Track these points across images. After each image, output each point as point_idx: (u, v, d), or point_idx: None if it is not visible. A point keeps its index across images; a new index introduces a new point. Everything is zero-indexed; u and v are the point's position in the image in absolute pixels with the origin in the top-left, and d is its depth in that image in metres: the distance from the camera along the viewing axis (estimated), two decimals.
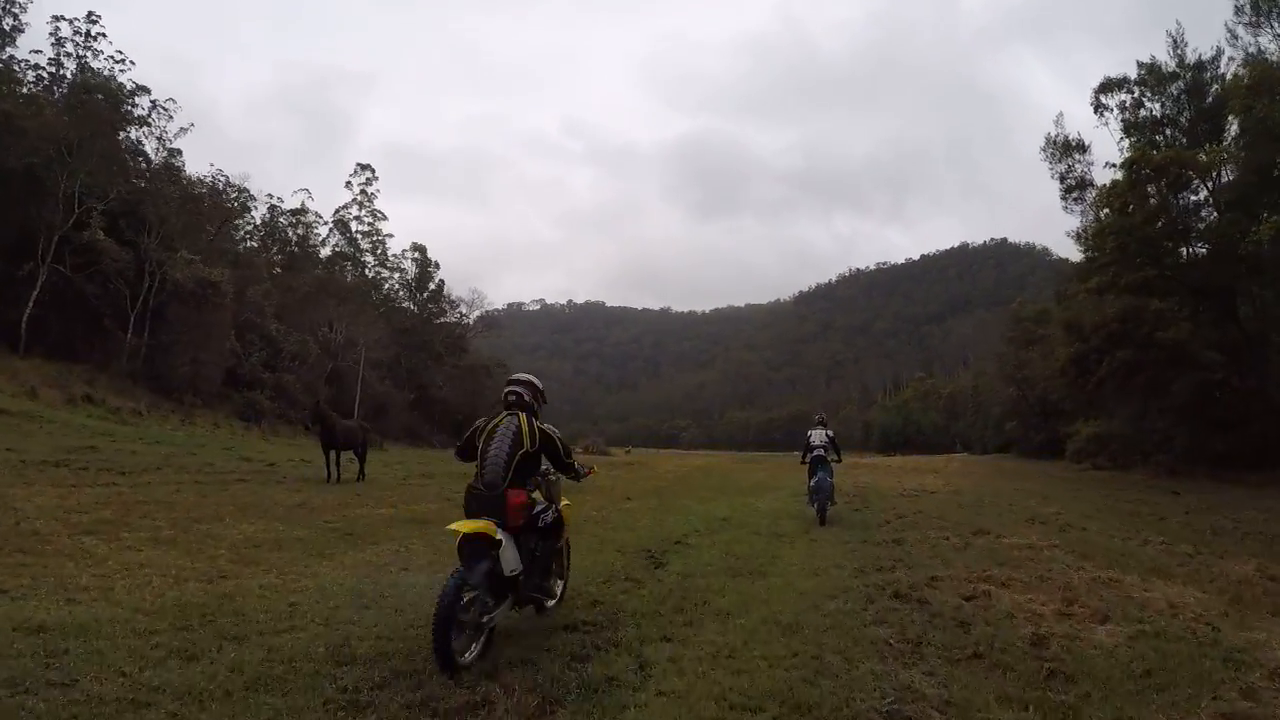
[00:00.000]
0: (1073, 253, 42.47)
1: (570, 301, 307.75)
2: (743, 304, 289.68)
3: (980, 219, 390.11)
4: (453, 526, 5.21)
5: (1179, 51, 31.97)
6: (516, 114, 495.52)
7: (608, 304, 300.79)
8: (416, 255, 76.48)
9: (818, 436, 14.33)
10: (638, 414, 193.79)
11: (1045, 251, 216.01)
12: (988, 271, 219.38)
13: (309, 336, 48.72)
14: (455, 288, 78.34)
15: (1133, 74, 33.48)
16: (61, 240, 32.75)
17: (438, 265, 76.63)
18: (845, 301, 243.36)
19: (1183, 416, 30.24)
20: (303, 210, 66.32)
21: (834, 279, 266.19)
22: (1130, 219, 28.32)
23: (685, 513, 15.21)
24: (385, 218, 70.69)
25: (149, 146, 43.41)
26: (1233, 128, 29.20)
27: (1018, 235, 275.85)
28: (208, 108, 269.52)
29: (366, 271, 71.32)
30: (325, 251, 67.56)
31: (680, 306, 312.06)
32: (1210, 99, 30.98)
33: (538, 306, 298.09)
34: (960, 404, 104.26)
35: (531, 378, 6.38)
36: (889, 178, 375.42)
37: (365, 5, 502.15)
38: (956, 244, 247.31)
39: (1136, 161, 28.42)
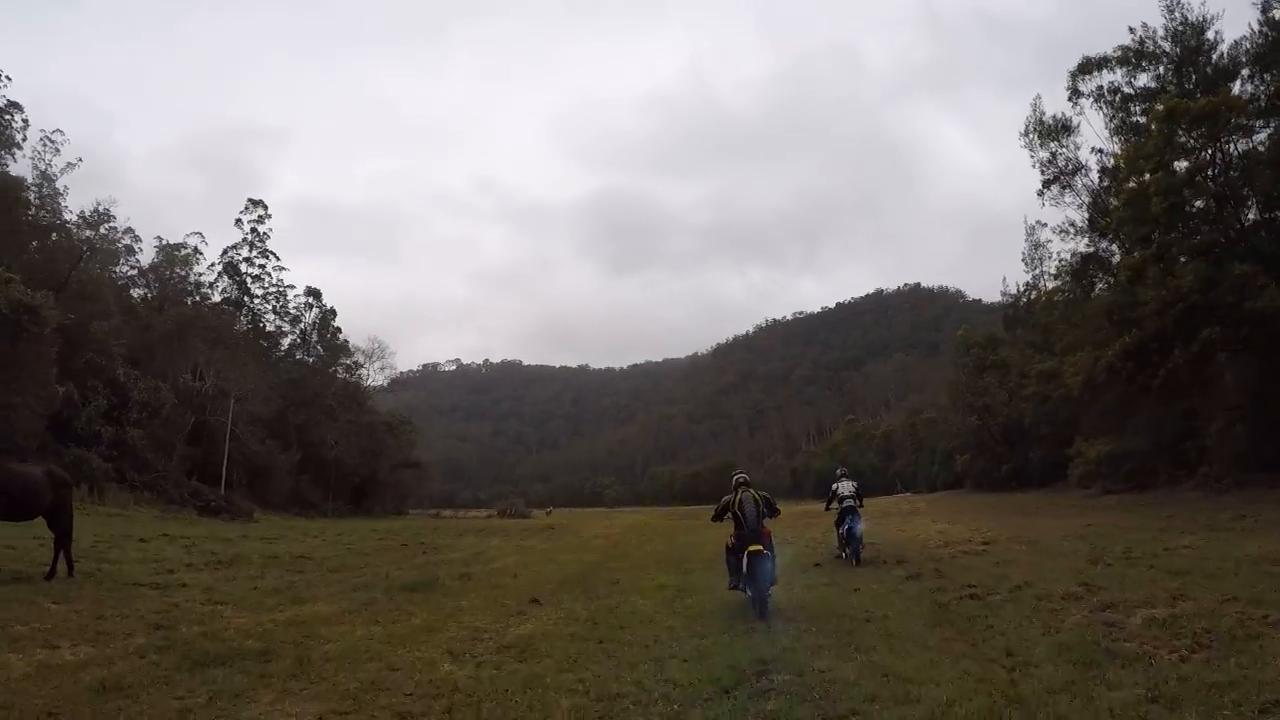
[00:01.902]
0: (985, 294, 38.95)
1: (487, 361, 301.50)
2: (660, 359, 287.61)
3: (893, 265, 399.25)
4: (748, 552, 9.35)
5: (1176, 14, 28.41)
6: (426, 171, 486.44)
7: (525, 362, 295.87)
8: (311, 301, 68.42)
9: (845, 487, 15.52)
10: (560, 473, 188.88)
11: (959, 294, 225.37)
12: (903, 316, 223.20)
13: (164, 383, 39.91)
14: (359, 342, 70.29)
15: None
16: None
17: (334, 313, 68.65)
18: (764, 351, 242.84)
19: (1239, 414, 25.35)
20: (179, 247, 57.77)
21: (751, 330, 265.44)
22: (1176, 178, 23.86)
23: (657, 652, 7.44)
24: (278, 258, 62.72)
25: (22, 169, 38.91)
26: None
27: (931, 280, 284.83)
28: (119, 157, 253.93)
29: (259, 320, 62.88)
30: (215, 297, 59.98)
31: (598, 363, 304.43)
32: (1217, 59, 27.42)
33: (453, 367, 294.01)
34: (896, 443, 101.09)
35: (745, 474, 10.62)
36: (801, 228, 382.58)
37: (276, 60, 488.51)
38: (872, 290, 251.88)
39: (1174, 112, 24.24)
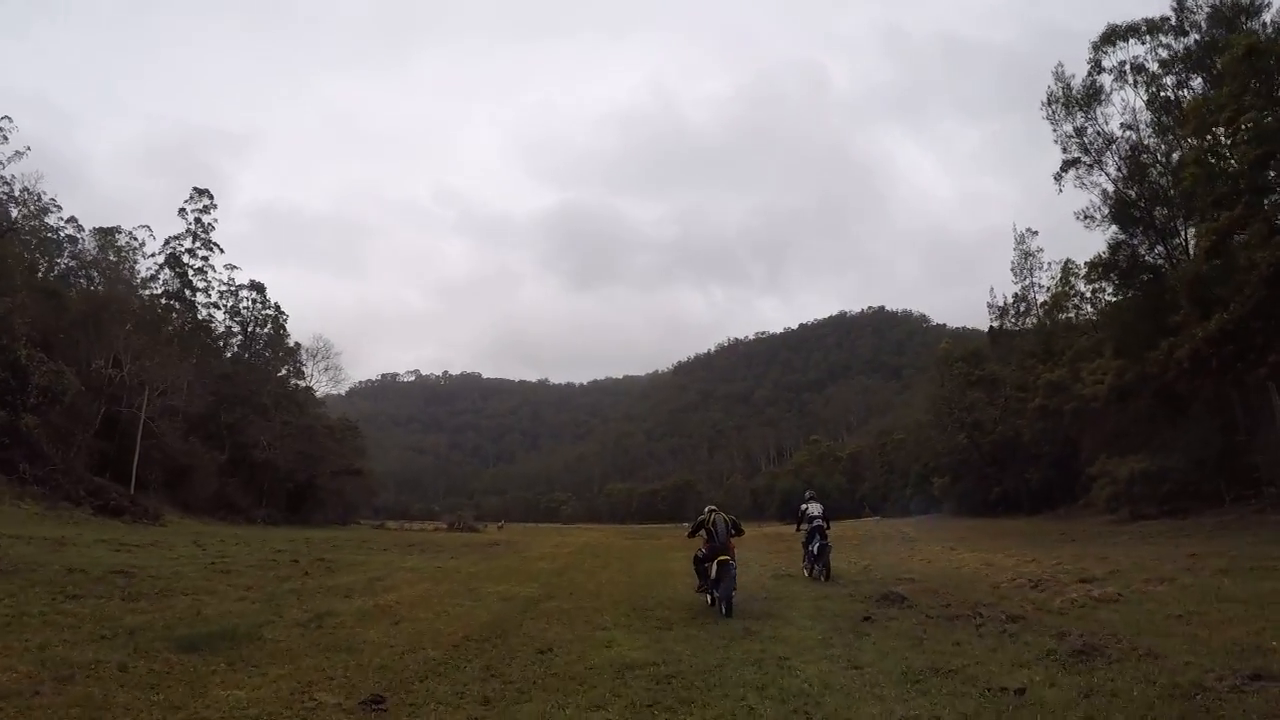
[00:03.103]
0: (950, 318, 35.91)
1: (446, 373, 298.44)
2: (620, 375, 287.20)
3: (857, 287, 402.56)
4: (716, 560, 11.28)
5: None
6: (389, 182, 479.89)
7: (484, 375, 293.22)
8: (255, 295, 63.46)
9: (814, 509, 16.54)
10: (516, 487, 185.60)
11: (923, 318, 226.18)
12: (866, 339, 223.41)
13: (70, 369, 35.01)
14: (306, 341, 65.73)
15: None
16: None
17: (279, 308, 63.82)
18: (725, 371, 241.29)
19: None
20: (113, 232, 53.00)
21: (713, 349, 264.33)
22: (1269, 122, 20.80)
23: None
24: (222, 250, 58.59)
25: None
26: None
27: (895, 303, 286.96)
28: (79, 159, 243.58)
29: (198, 314, 58.01)
30: (158, 290, 56.08)
31: (558, 378, 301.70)
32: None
33: (412, 378, 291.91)
34: (863, 465, 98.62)
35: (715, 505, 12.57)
36: (765, 247, 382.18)
37: (241, 66, 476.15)
38: (835, 312, 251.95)
39: (1255, 50, 21.43)
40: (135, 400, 39.85)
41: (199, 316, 58.34)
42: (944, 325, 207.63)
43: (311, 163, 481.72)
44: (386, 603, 11.53)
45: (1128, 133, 29.13)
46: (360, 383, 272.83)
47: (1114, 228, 30.00)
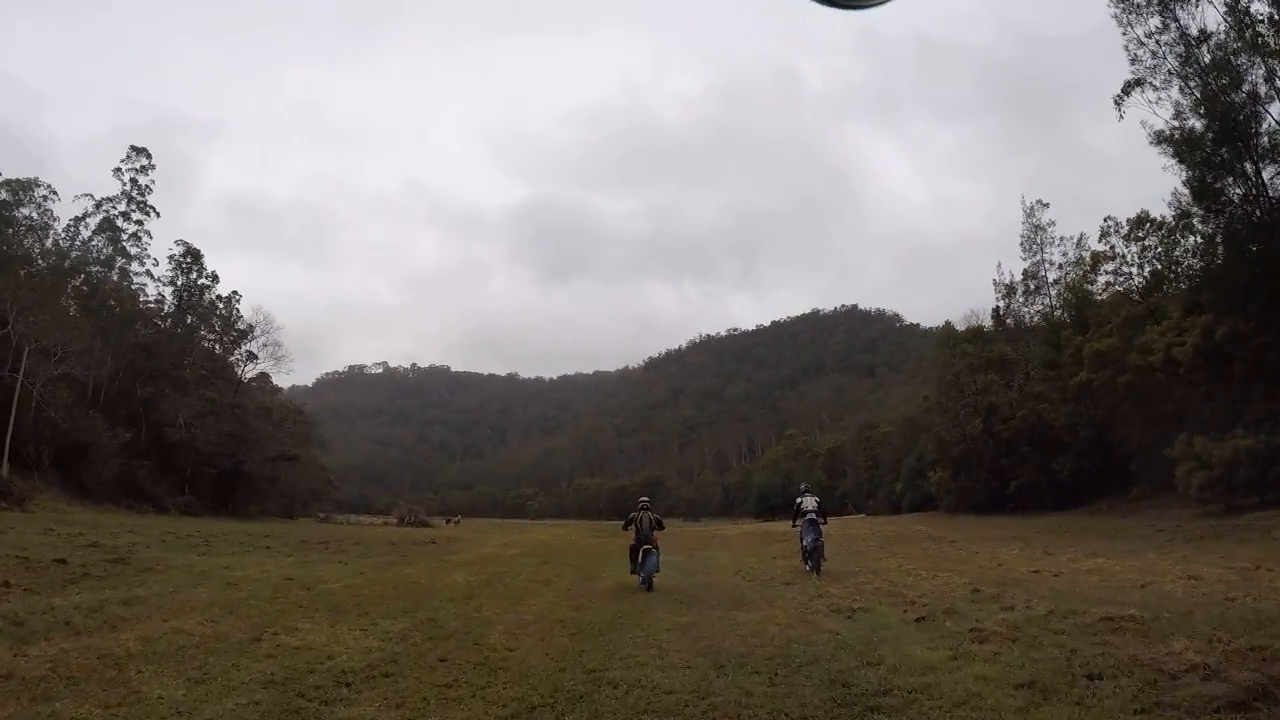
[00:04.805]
0: (923, 318, 31.16)
1: (414, 365, 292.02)
2: (591, 370, 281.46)
3: (830, 286, 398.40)
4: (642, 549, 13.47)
5: None
6: (358, 173, 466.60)
7: (453, 368, 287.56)
8: (186, 259, 56.99)
9: (809, 503, 16.50)
10: (483, 482, 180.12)
11: (896, 317, 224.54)
12: (839, 337, 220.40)
13: None
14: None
15: None
16: None
17: (216, 277, 57.40)
18: (696, 367, 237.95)
19: None
20: (30, 184, 46.34)
21: (684, 345, 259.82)
22: None
23: None
24: (159, 214, 53.15)
25: None
26: None
27: (868, 302, 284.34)
28: (48, 142, 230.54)
29: (133, 282, 51.81)
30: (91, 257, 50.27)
31: (527, 373, 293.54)
32: None
33: (380, 369, 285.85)
34: (845, 460, 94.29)
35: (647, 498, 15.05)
36: (738, 244, 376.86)
37: (209, 49, 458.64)
38: (808, 310, 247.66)
39: None
40: (17, 364, 33.70)
41: (131, 284, 52.16)
42: (917, 325, 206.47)
43: (280, 153, 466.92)
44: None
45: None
46: (327, 374, 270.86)
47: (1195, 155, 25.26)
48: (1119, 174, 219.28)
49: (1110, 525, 26.33)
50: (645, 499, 15.09)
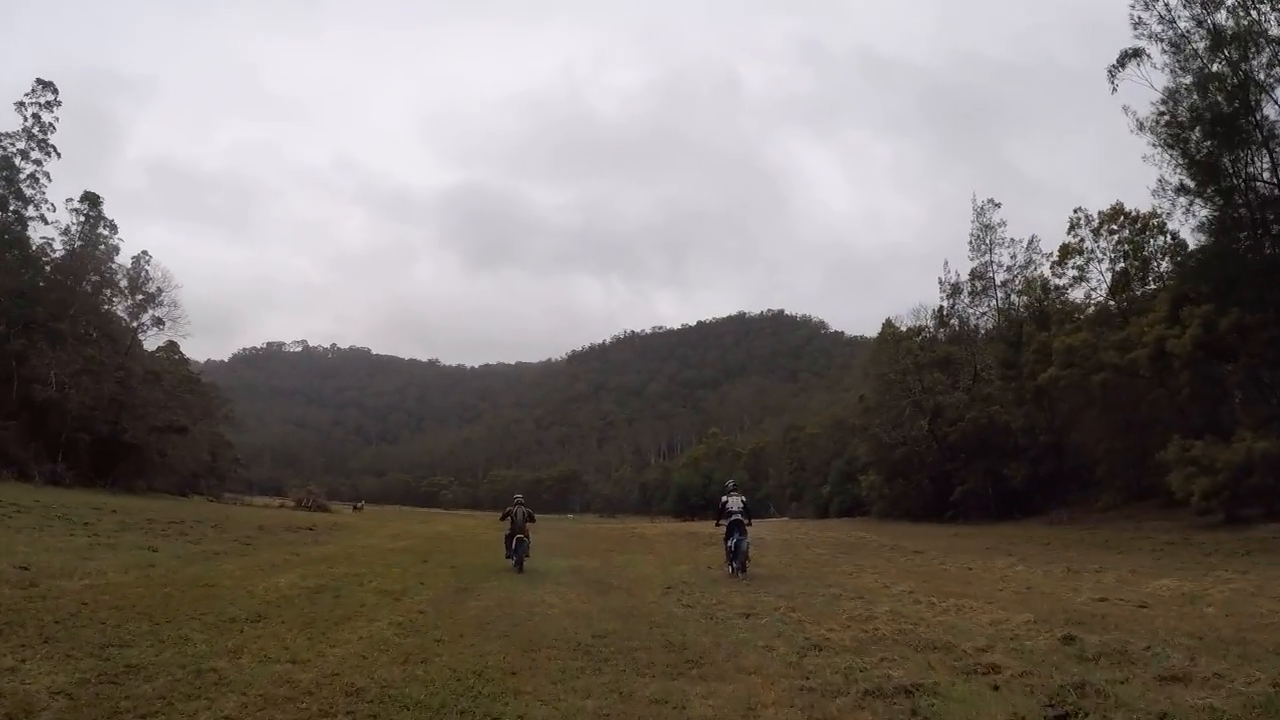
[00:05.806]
0: (848, 327, 29.99)
1: (334, 346, 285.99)
2: (513, 361, 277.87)
3: (757, 290, 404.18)
4: (515, 537, 16.08)
5: None
6: (289, 143, 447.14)
7: (374, 351, 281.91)
8: (83, 205, 51.23)
9: (734, 503, 16.02)
10: (397, 469, 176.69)
11: (822, 324, 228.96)
12: (764, 341, 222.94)
13: None
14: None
15: None
16: None
17: (115, 227, 51.87)
18: (619, 364, 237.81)
19: None
20: None
21: (608, 340, 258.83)
22: None
23: None
24: (60, 155, 47.57)
25: None
26: None
27: (794, 308, 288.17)
28: None
29: (26, 227, 45.86)
30: None
31: (449, 360, 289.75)
32: None
33: (299, 348, 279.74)
34: (768, 461, 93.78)
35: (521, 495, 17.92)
36: (667, 242, 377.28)
37: (144, 6, 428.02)
38: (734, 312, 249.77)
39: None
40: None
41: (25, 230, 46.34)
42: (842, 333, 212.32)
43: (211, 116, 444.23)
44: None
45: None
46: (245, 349, 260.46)
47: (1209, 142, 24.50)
48: (1051, 201, 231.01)
49: (1098, 538, 24.06)
50: (519, 495, 18.01)
